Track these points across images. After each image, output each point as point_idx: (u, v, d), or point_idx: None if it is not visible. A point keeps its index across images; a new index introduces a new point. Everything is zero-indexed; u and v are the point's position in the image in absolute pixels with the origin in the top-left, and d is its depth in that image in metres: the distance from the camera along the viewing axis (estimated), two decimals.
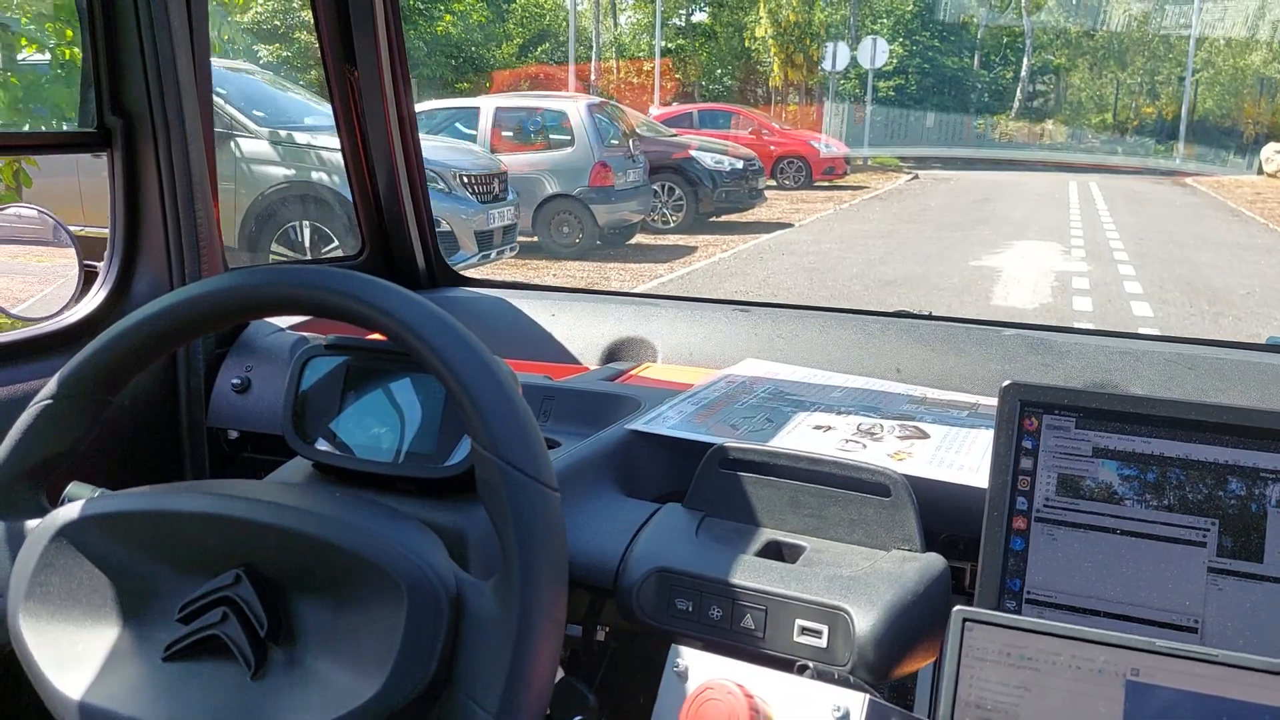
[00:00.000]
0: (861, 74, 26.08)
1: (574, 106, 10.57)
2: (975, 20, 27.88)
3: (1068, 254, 10.79)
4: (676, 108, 20.81)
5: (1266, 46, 23.61)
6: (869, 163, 22.66)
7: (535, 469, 0.72)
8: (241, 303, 0.81)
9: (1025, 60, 27.33)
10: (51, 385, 0.84)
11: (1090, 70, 28.04)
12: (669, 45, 29.56)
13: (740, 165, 12.72)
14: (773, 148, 17.66)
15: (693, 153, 12.51)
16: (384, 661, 0.70)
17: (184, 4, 1.37)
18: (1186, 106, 24.15)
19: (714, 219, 12.63)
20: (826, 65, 25.12)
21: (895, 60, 27.51)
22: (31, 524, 0.83)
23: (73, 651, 0.78)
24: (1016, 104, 27.36)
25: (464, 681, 0.70)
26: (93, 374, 0.84)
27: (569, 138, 10.38)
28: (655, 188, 11.88)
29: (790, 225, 13.09)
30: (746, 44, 28.49)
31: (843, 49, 24.44)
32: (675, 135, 13.83)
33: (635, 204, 10.76)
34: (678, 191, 12.24)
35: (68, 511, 0.80)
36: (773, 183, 16.65)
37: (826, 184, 17.92)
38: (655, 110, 20.01)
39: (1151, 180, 21.46)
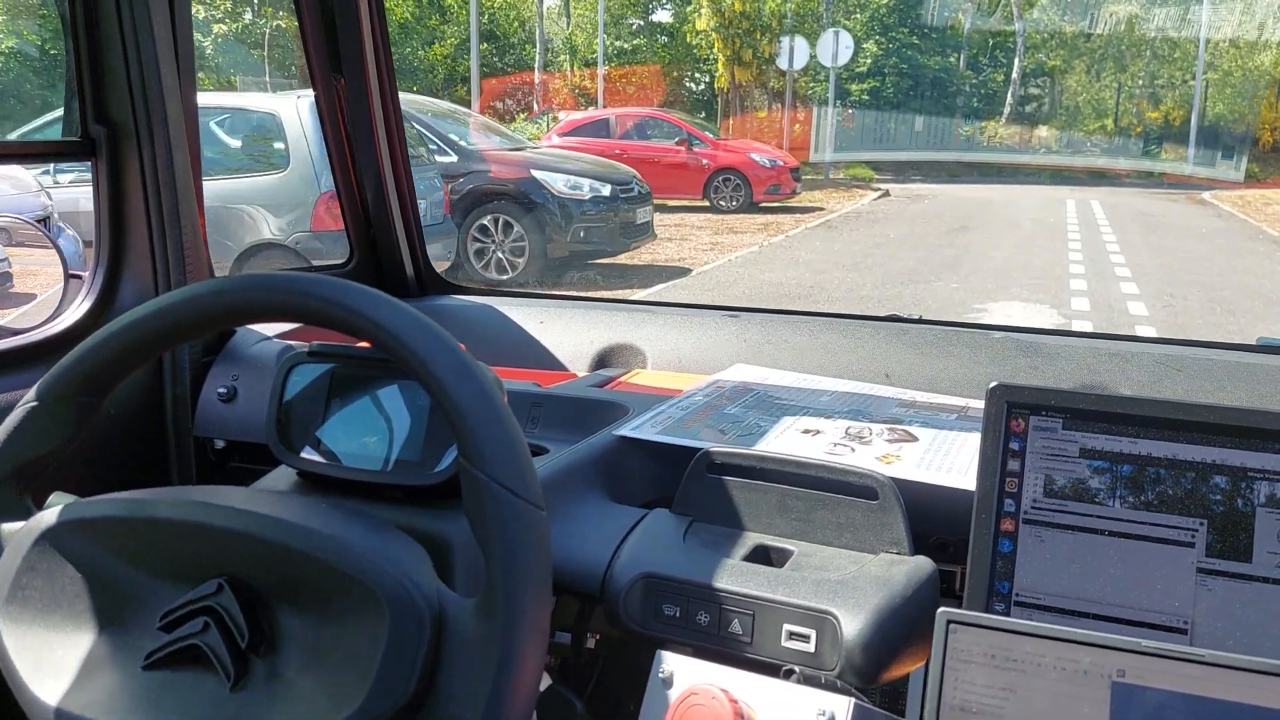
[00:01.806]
0: (838, 74, 22.58)
1: (289, 106, 6.33)
2: (962, 21, 24.91)
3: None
4: (591, 114, 17.44)
5: (1279, 47, 21.45)
6: (830, 175, 19.52)
7: (522, 487, 0.71)
8: (228, 309, 0.80)
9: (1016, 62, 24.33)
10: (37, 388, 0.84)
11: (1087, 73, 25.05)
12: (625, 46, 25.90)
13: (607, 191, 8.88)
14: (705, 161, 14.58)
15: (535, 173, 8.61)
16: (365, 677, 0.69)
17: (167, 12, 1.37)
18: (1196, 111, 21.70)
19: (592, 262, 9.24)
20: (782, 63, 21.24)
21: (869, 60, 24.15)
22: (15, 527, 0.83)
23: (52, 657, 0.77)
24: (1007, 109, 23.86)
25: (445, 700, 0.70)
26: (79, 377, 0.83)
27: (284, 154, 6.29)
28: (485, 222, 8.44)
29: (687, 272, 9.55)
30: (689, 39, 24.45)
31: (801, 44, 20.64)
32: (524, 148, 9.88)
33: (436, 249, 7.19)
34: (516, 228, 8.49)
35: (52, 515, 0.80)
36: (705, 203, 14.28)
37: (776, 204, 14.74)
38: (565, 116, 16.78)
39: (1163, 196, 17.41)
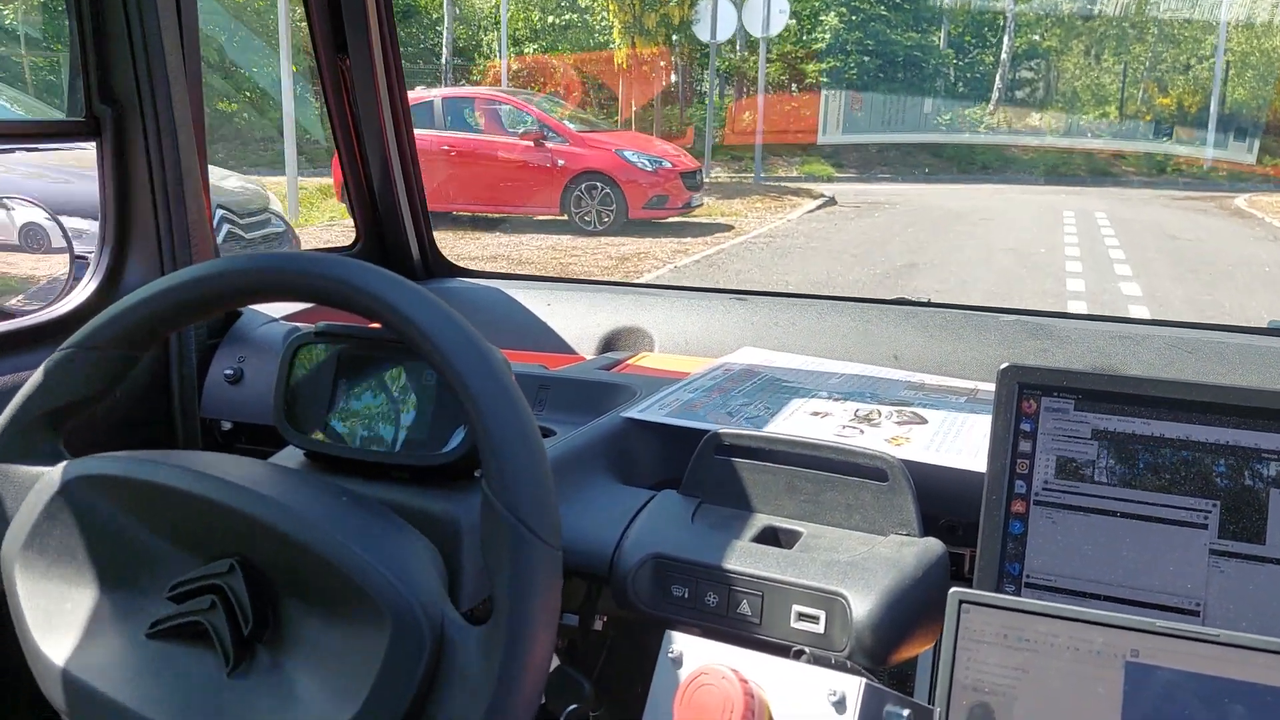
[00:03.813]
0: (789, 53, 19.42)
1: None
2: None
3: None
4: (413, 95, 11.18)
5: None
6: (761, 178, 15.59)
7: (542, 527, 0.70)
8: (277, 284, 0.80)
9: (1006, 40, 20.31)
10: (78, 335, 0.84)
11: (1087, 54, 21.54)
12: (556, 21, 20.74)
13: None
14: (560, 162, 10.69)
15: None
16: (360, 688, 0.69)
17: None
18: (1216, 96, 18.34)
19: None
20: (702, 33, 16.41)
21: (828, 35, 20.09)
22: (42, 470, 0.83)
23: (61, 610, 0.78)
24: (996, 94, 20.42)
25: None
26: (119, 330, 0.84)
27: None
28: None
29: None
30: (581, 2, 19.60)
31: (727, 10, 15.88)
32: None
33: None
34: None
35: (77, 466, 0.80)
36: (563, 217, 10.68)
37: (672, 219, 10.99)
38: None
39: (1185, 203, 13.50)
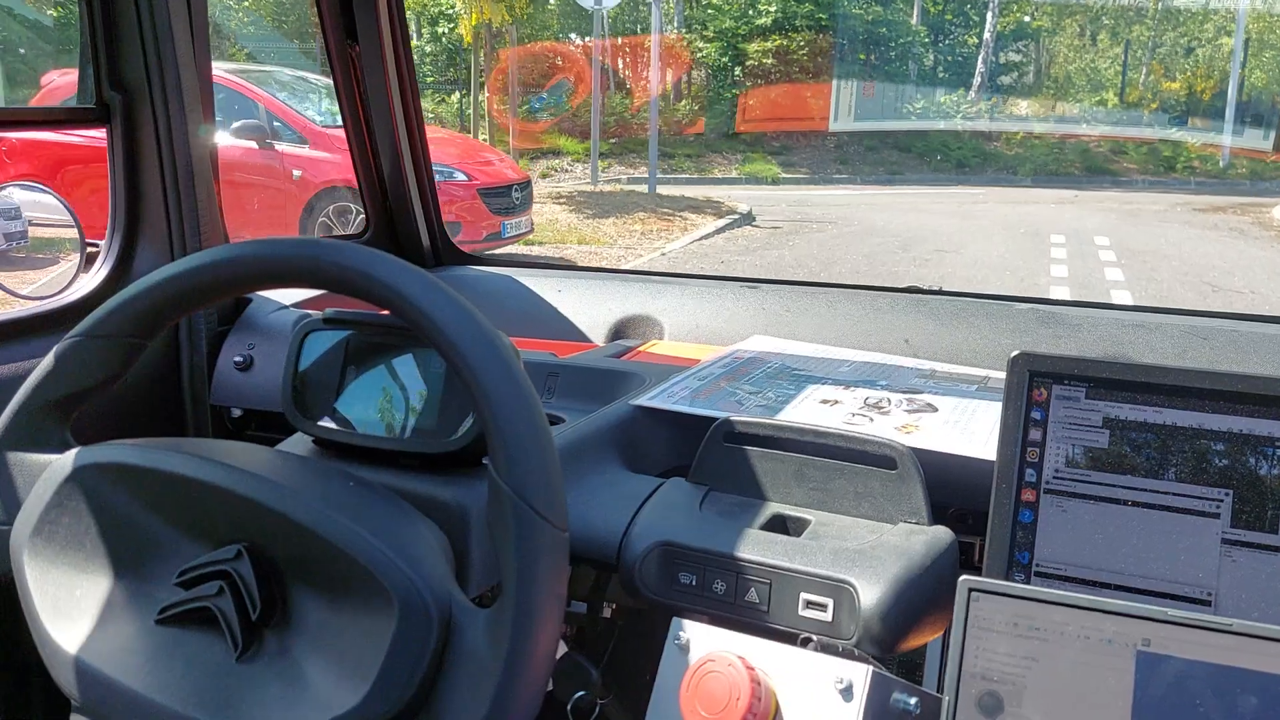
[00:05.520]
0: (730, 29, 16.24)
1: None
2: None
3: None
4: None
5: None
6: (655, 188, 12.01)
7: (550, 509, 0.70)
8: (286, 270, 0.79)
9: (989, 17, 17.50)
10: (86, 322, 0.84)
11: (1080, 35, 19.02)
12: None
13: None
14: (298, 172, 7.44)
15: None
16: (368, 672, 0.69)
17: None
18: (1235, 79, 15.87)
19: None
20: None
21: (775, 9, 16.53)
22: (51, 458, 0.83)
23: (70, 597, 0.78)
24: (978, 79, 17.53)
25: (442, 709, 0.69)
26: (129, 315, 0.84)
27: None
28: None
29: None
30: None
31: None
32: None
33: None
34: None
35: (87, 454, 0.81)
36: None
37: (519, 245, 8.37)
38: (54, 78, 7.31)
39: (1210, 216, 10.73)
